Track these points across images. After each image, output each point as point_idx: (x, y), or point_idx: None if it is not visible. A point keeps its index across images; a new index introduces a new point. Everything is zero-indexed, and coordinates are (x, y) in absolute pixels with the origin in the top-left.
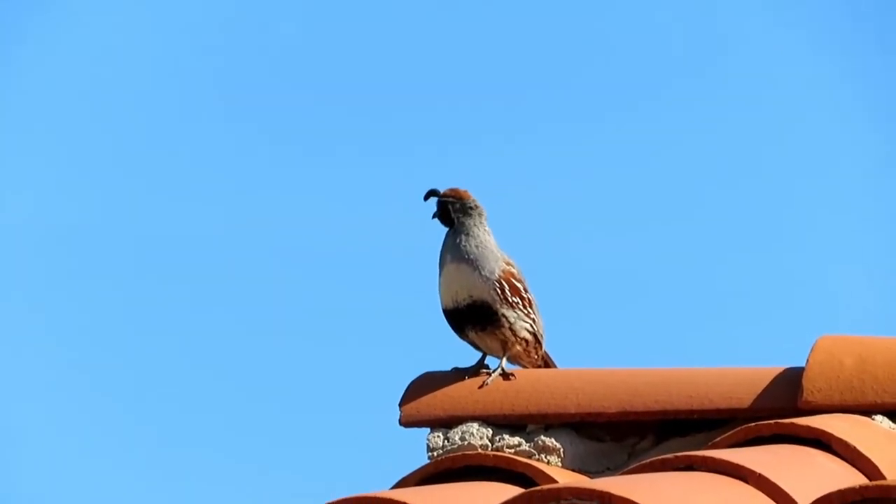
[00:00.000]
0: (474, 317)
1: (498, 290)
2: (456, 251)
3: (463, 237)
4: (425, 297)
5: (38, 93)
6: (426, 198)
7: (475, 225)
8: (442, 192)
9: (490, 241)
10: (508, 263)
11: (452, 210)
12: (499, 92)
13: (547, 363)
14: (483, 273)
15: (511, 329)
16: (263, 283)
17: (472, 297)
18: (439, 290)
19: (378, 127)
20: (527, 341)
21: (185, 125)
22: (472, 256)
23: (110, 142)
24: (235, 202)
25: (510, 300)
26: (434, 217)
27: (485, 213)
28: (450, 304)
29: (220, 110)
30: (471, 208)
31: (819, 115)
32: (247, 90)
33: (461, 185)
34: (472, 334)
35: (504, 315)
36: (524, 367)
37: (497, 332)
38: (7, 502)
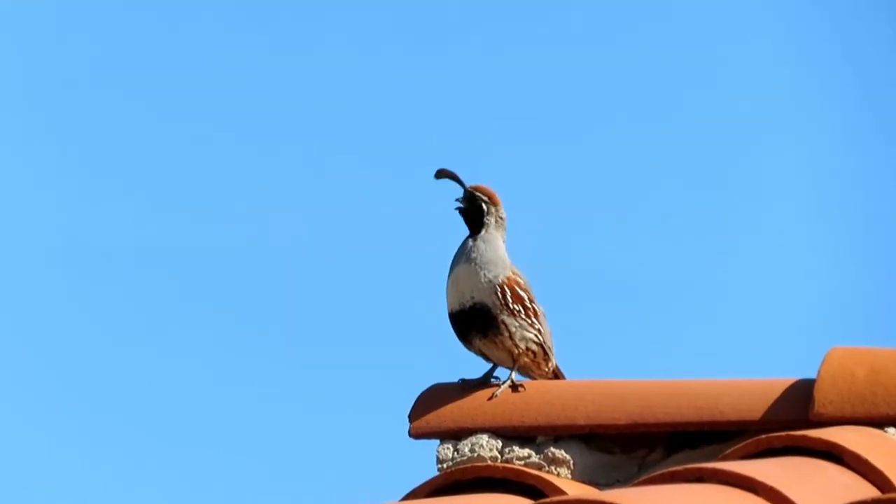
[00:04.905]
0: (475, 321)
1: (499, 294)
2: (471, 254)
3: (481, 243)
4: (435, 308)
5: None
6: (437, 176)
7: (497, 234)
8: (469, 185)
9: (503, 249)
10: (515, 273)
11: (486, 213)
12: (508, 96)
13: (557, 376)
14: (487, 276)
15: (511, 338)
16: (273, 292)
17: (473, 298)
18: (446, 293)
19: (381, 133)
20: (534, 353)
21: (186, 128)
22: (482, 260)
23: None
24: (244, 210)
25: (511, 307)
26: (459, 208)
27: (506, 224)
28: (455, 307)
29: (224, 111)
30: (501, 218)
31: (843, 123)
32: (256, 91)
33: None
34: (477, 342)
35: (504, 321)
36: (534, 379)
37: (497, 339)
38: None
